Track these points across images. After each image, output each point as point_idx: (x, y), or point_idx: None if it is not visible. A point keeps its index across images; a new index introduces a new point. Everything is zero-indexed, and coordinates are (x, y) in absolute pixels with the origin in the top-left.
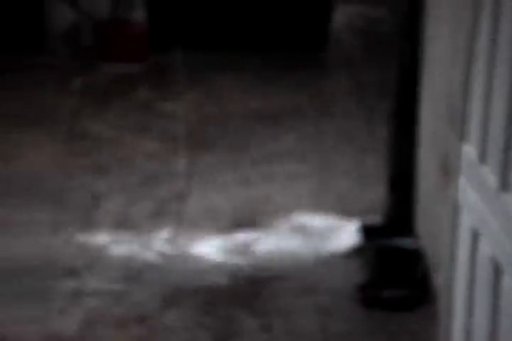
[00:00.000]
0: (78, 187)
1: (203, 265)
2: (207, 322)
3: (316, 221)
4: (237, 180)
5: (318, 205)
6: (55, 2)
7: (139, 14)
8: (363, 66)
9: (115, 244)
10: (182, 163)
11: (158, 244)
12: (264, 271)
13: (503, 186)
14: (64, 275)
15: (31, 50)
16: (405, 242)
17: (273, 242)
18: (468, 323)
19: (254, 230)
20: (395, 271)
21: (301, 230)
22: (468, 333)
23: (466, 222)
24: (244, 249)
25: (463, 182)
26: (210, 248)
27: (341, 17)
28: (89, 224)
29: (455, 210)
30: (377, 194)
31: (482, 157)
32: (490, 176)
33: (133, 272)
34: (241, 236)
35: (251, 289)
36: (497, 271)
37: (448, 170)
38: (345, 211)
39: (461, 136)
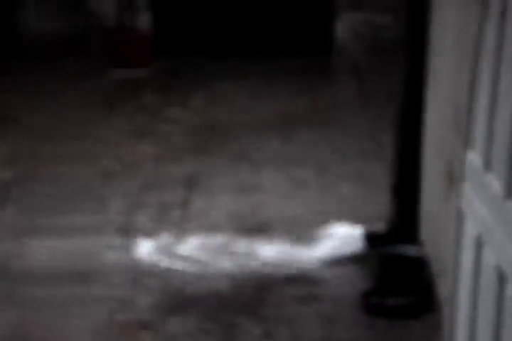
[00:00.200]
0: (84, 191)
1: (205, 271)
2: (210, 328)
3: (320, 228)
4: (240, 185)
5: (322, 212)
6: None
7: (144, 20)
8: (368, 72)
9: (117, 249)
10: (185, 169)
11: (160, 249)
12: (267, 277)
13: (508, 194)
14: (69, 281)
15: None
16: (409, 250)
17: (276, 249)
18: (472, 331)
19: (257, 236)
20: (399, 278)
21: (305, 237)
22: (471, 339)
23: (470, 230)
24: (247, 256)
25: (467, 189)
26: (212, 254)
27: (346, 24)
28: (89, 229)
29: (459, 218)
30: (381, 201)
31: (487, 164)
32: (495, 184)
33: (135, 278)
34: (244, 243)
35: (254, 296)
36: (501, 279)
37: (453, 178)
38: (348, 218)
39: (466, 144)
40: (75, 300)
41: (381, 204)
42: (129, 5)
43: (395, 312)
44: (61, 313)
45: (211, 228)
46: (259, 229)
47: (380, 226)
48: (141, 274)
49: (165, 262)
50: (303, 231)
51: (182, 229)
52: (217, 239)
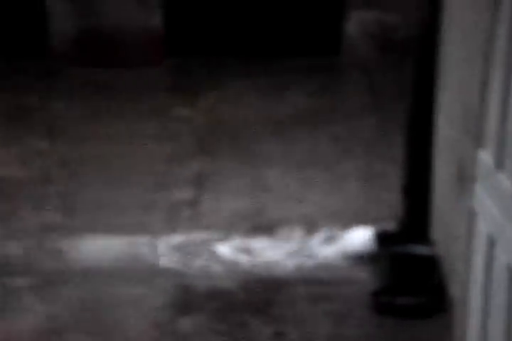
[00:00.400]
0: (87, 191)
1: (216, 270)
2: (220, 328)
3: (330, 227)
4: (250, 185)
5: (332, 212)
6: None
7: (155, 19)
8: (378, 72)
9: (126, 248)
10: (195, 168)
11: (171, 248)
12: (278, 277)
13: None
14: (76, 279)
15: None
16: (420, 249)
17: (286, 248)
18: (484, 331)
19: (267, 236)
20: (410, 278)
21: (315, 236)
22: (483, 340)
23: (482, 229)
24: (257, 255)
25: (479, 188)
26: (222, 253)
27: (356, 23)
28: (97, 227)
29: (471, 217)
30: (392, 201)
31: (498, 163)
32: (506, 182)
33: (146, 276)
34: (255, 242)
35: (264, 295)
36: None
37: (464, 177)
38: (359, 217)
39: (478, 143)
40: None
41: (392, 203)
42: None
43: (405, 311)
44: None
45: (221, 227)
46: (269, 228)
47: (390, 226)
48: (151, 272)
49: (174, 261)
50: (313, 231)
51: (192, 228)
52: (227, 238)
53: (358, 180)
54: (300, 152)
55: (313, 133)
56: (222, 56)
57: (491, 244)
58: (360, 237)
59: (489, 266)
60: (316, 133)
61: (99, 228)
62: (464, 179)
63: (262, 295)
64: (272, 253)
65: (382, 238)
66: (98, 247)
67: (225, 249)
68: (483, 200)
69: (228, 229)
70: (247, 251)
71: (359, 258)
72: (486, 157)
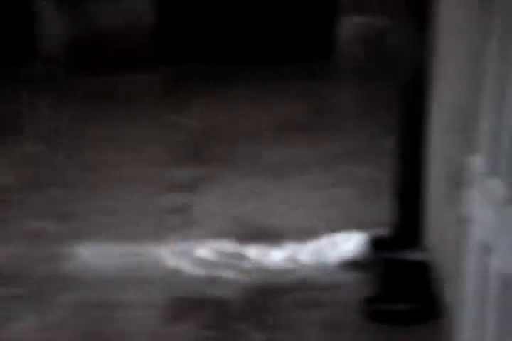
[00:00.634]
0: (79, 197)
1: (208, 277)
2: (213, 335)
3: (323, 233)
4: (243, 191)
5: (325, 217)
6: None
7: (148, 25)
8: (370, 76)
9: (118, 255)
10: (188, 174)
11: (165, 254)
12: (271, 283)
13: None
14: (64, 288)
15: (30, 60)
16: (414, 255)
17: (279, 255)
18: (477, 337)
19: (260, 243)
20: (403, 284)
21: (308, 242)
22: None
23: (475, 235)
24: (250, 262)
25: (472, 194)
26: (216, 260)
27: (348, 28)
28: (91, 234)
29: (464, 223)
30: (385, 206)
31: (492, 169)
32: (500, 188)
33: (138, 283)
34: (246, 249)
35: (258, 302)
36: (507, 285)
37: (457, 182)
38: (352, 223)
39: (471, 148)
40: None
41: (385, 209)
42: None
43: (399, 318)
44: None
45: (213, 234)
46: (262, 235)
47: (384, 232)
48: (144, 278)
49: (168, 267)
50: (306, 237)
51: (186, 234)
52: (220, 245)
53: (351, 186)
54: (292, 157)
55: (305, 138)
56: (214, 62)
57: (485, 250)
58: (353, 243)
59: (483, 272)
60: (308, 138)
61: (93, 234)
62: (457, 185)
63: (254, 301)
64: (265, 259)
65: (376, 244)
66: (93, 253)
67: (216, 255)
68: (477, 206)
69: (220, 235)
70: (240, 257)
71: (352, 265)
72: (479, 162)
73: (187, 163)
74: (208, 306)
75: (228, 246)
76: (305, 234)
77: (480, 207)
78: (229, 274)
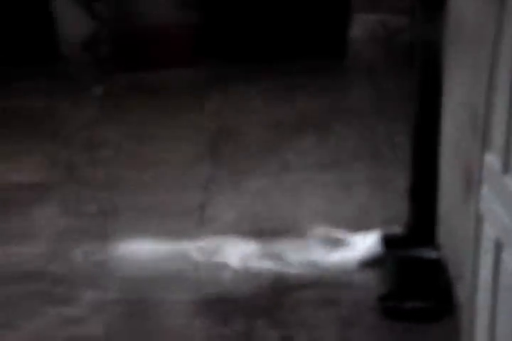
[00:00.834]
0: (106, 195)
1: (225, 273)
2: (228, 332)
3: (337, 231)
4: (259, 189)
5: (339, 215)
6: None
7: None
8: (383, 74)
9: (139, 252)
10: (204, 172)
11: (187, 251)
12: (285, 281)
13: None
14: (84, 285)
15: (46, 58)
16: (427, 253)
17: (294, 252)
18: (491, 335)
19: (274, 240)
20: (417, 281)
21: (323, 240)
22: None
23: (488, 233)
24: (266, 259)
25: (486, 192)
26: (232, 257)
27: (361, 26)
28: (111, 233)
29: (478, 220)
30: (398, 204)
31: (505, 166)
32: None
33: (155, 281)
34: (263, 246)
35: (271, 299)
36: None
37: (470, 180)
38: (366, 221)
39: (484, 146)
40: None
41: (398, 207)
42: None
43: (413, 315)
44: None
45: (231, 230)
46: (276, 232)
47: (397, 230)
48: (161, 277)
49: (185, 264)
50: (321, 235)
51: (201, 231)
52: (237, 242)
53: (365, 183)
54: (306, 155)
55: (318, 136)
56: (229, 61)
57: (498, 247)
58: (367, 241)
59: (496, 270)
60: (321, 136)
61: (122, 231)
62: (471, 183)
63: (269, 298)
64: (280, 256)
65: (389, 242)
66: (122, 250)
67: (234, 253)
68: (490, 204)
69: (237, 232)
70: (255, 254)
71: (366, 262)
72: (492, 160)
73: (202, 161)
74: (223, 302)
75: (244, 242)
76: (319, 231)
77: (493, 204)
78: (244, 270)
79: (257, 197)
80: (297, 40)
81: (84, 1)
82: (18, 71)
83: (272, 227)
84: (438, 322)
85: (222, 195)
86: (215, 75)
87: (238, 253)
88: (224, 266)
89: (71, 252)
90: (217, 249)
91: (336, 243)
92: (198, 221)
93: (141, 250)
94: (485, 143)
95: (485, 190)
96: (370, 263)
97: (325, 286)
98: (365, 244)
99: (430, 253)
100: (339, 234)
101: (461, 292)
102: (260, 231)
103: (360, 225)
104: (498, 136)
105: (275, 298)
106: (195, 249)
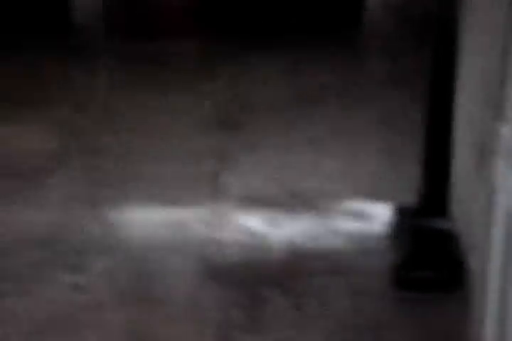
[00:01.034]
0: (113, 164)
1: (237, 243)
2: (240, 301)
3: (350, 201)
4: (272, 160)
5: (352, 186)
6: None
7: None
8: (398, 46)
9: (148, 220)
10: (216, 143)
11: (197, 221)
12: (296, 250)
13: None
14: (94, 253)
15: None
16: (440, 223)
17: (306, 222)
18: (502, 306)
19: (288, 209)
20: (429, 252)
21: (335, 211)
22: (502, 315)
23: (502, 204)
24: (276, 229)
25: (500, 163)
26: (243, 227)
27: None
28: (125, 198)
29: (491, 192)
30: (412, 175)
31: None
32: None
33: (165, 249)
34: (275, 215)
35: (283, 268)
36: None
37: (484, 151)
38: (379, 192)
39: (498, 117)
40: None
41: (412, 178)
42: None
43: (425, 285)
44: None
45: (244, 200)
46: (289, 202)
47: (410, 200)
48: (176, 243)
49: (201, 232)
50: (333, 206)
51: (218, 199)
52: (249, 212)
53: (378, 155)
54: (319, 127)
55: (332, 109)
56: (241, 32)
57: (511, 218)
58: (379, 211)
59: (509, 241)
60: (336, 109)
61: (129, 200)
62: (485, 153)
63: (280, 268)
64: (292, 226)
65: (402, 212)
66: (128, 219)
67: (248, 222)
68: (504, 175)
69: (251, 202)
70: (267, 224)
71: (378, 233)
72: (507, 131)
73: (214, 132)
74: (235, 271)
75: (257, 213)
76: (334, 202)
77: (507, 175)
78: (256, 240)
79: (272, 168)
80: (312, 12)
81: None
82: (30, 39)
83: (281, 199)
84: (450, 293)
85: (236, 166)
86: (227, 47)
87: (251, 223)
88: (236, 235)
89: (81, 220)
90: (229, 218)
91: (350, 213)
92: (210, 191)
93: (150, 218)
94: (499, 114)
95: (499, 161)
96: (382, 234)
97: (337, 256)
98: (377, 214)
99: (443, 224)
100: (354, 203)
101: (473, 262)
102: (272, 201)
103: (373, 195)
104: None
105: (285, 267)
106: (206, 217)
